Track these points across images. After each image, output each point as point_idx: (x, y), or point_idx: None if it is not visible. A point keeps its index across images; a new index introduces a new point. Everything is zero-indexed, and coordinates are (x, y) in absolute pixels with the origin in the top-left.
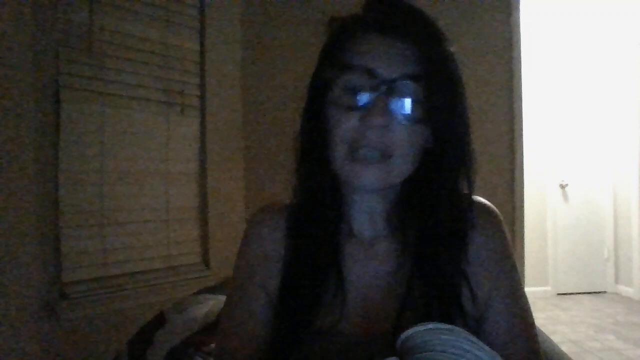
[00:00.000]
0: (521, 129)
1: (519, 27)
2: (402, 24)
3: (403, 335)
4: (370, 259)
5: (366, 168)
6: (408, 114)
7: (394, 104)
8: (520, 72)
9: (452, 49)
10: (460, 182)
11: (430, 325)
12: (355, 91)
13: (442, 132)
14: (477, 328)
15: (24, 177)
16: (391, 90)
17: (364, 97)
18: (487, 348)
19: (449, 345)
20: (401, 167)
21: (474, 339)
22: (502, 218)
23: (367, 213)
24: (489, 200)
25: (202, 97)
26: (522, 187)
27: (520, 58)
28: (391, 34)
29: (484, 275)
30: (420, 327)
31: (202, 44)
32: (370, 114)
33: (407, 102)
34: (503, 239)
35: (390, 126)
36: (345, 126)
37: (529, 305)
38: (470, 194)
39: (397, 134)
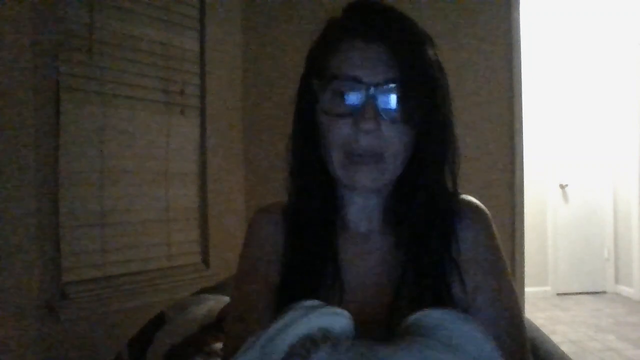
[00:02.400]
0: (521, 129)
1: (519, 27)
2: (380, 28)
3: (415, 316)
4: (365, 252)
5: (362, 170)
6: (395, 115)
7: (381, 107)
8: (520, 72)
9: (432, 52)
10: (444, 178)
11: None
12: (343, 98)
13: (424, 130)
14: None
15: (24, 177)
16: (377, 94)
17: (352, 104)
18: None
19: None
20: (393, 165)
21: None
22: (489, 215)
23: (362, 209)
24: (489, 201)
25: (202, 97)
26: (522, 187)
27: (520, 58)
28: (371, 39)
29: (472, 269)
30: (435, 311)
31: (202, 44)
32: (361, 120)
33: (393, 104)
34: (490, 234)
35: (380, 128)
36: (339, 132)
37: (517, 298)
38: (455, 191)
39: (387, 134)
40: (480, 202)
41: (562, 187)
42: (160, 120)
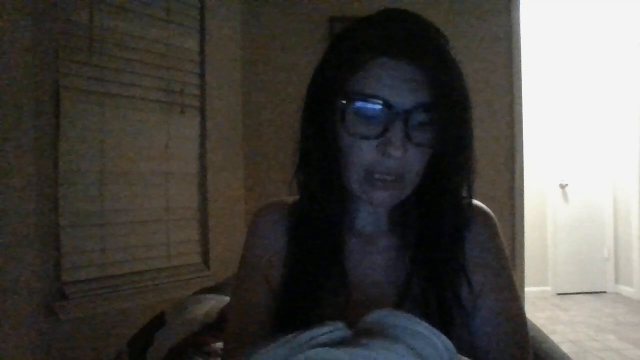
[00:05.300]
0: (521, 129)
1: (519, 27)
2: (411, 46)
3: (363, 319)
4: (371, 253)
5: (382, 190)
6: (423, 141)
7: (411, 132)
8: (520, 72)
9: (457, 58)
10: (461, 187)
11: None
12: (369, 120)
13: (451, 149)
14: (468, 320)
15: (24, 177)
16: (407, 119)
17: (380, 127)
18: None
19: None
20: (412, 184)
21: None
22: (495, 219)
23: (371, 213)
24: (489, 201)
25: (202, 97)
26: (522, 187)
27: (520, 58)
28: (402, 57)
29: (478, 272)
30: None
31: (202, 44)
32: (389, 146)
33: (423, 130)
34: (497, 239)
35: (406, 153)
36: (362, 154)
37: (520, 302)
38: (469, 197)
39: (412, 158)
40: (481, 202)
41: (562, 187)
42: (160, 120)
